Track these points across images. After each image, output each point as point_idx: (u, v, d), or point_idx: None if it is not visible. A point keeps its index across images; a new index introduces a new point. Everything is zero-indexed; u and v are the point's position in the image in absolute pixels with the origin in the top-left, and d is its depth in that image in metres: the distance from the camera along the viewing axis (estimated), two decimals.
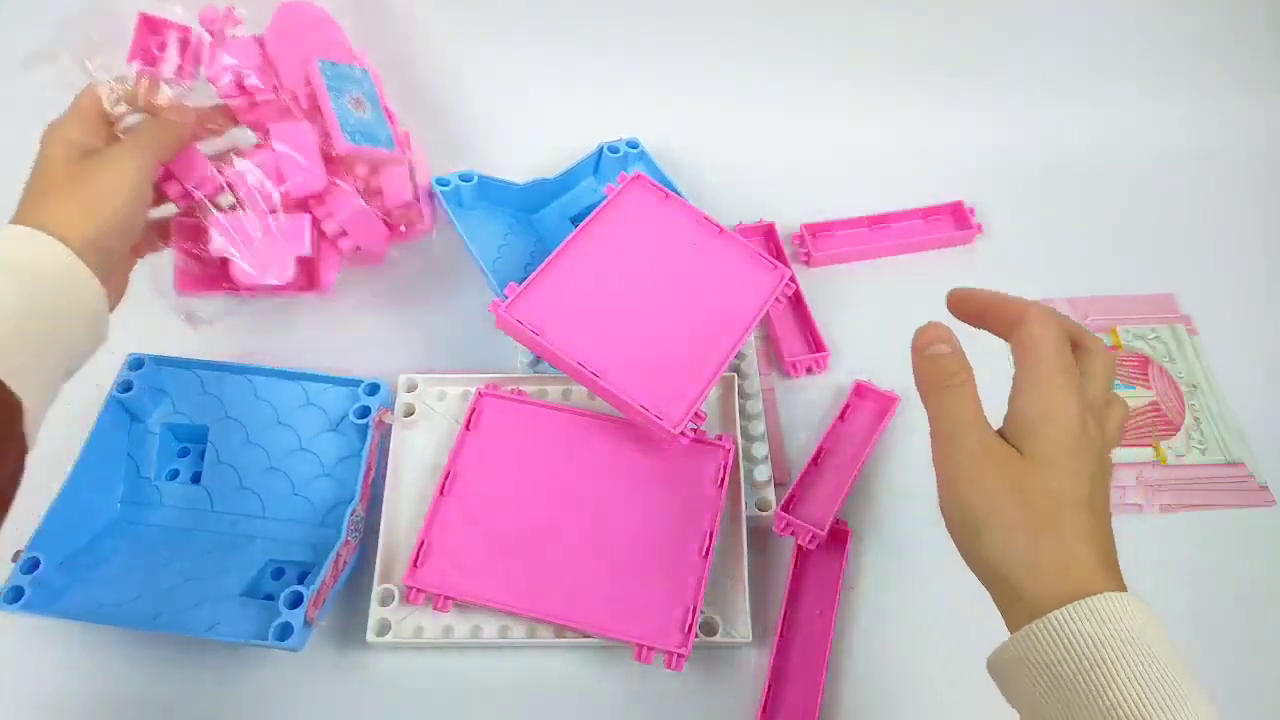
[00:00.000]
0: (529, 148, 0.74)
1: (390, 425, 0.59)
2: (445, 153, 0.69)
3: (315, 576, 0.52)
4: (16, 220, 0.45)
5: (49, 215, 0.45)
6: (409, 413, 0.59)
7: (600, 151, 0.71)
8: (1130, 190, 0.78)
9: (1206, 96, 0.81)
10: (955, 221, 0.75)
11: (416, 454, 0.58)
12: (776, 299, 0.61)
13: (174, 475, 0.59)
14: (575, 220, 0.70)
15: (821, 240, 0.74)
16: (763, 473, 0.59)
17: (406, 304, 0.69)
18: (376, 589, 0.54)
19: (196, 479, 0.59)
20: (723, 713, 0.54)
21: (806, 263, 0.72)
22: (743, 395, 0.62)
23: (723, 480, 0.56)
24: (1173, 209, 0.77)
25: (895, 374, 0.55)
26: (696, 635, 0.52)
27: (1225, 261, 0.74)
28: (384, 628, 0.53)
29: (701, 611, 0.52)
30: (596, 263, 0.60)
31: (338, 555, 0.53)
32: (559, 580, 0.52)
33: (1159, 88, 0.80)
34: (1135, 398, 0.66)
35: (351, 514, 0.55)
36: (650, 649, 0.51)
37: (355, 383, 0.59)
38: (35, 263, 0.44)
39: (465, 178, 0.67)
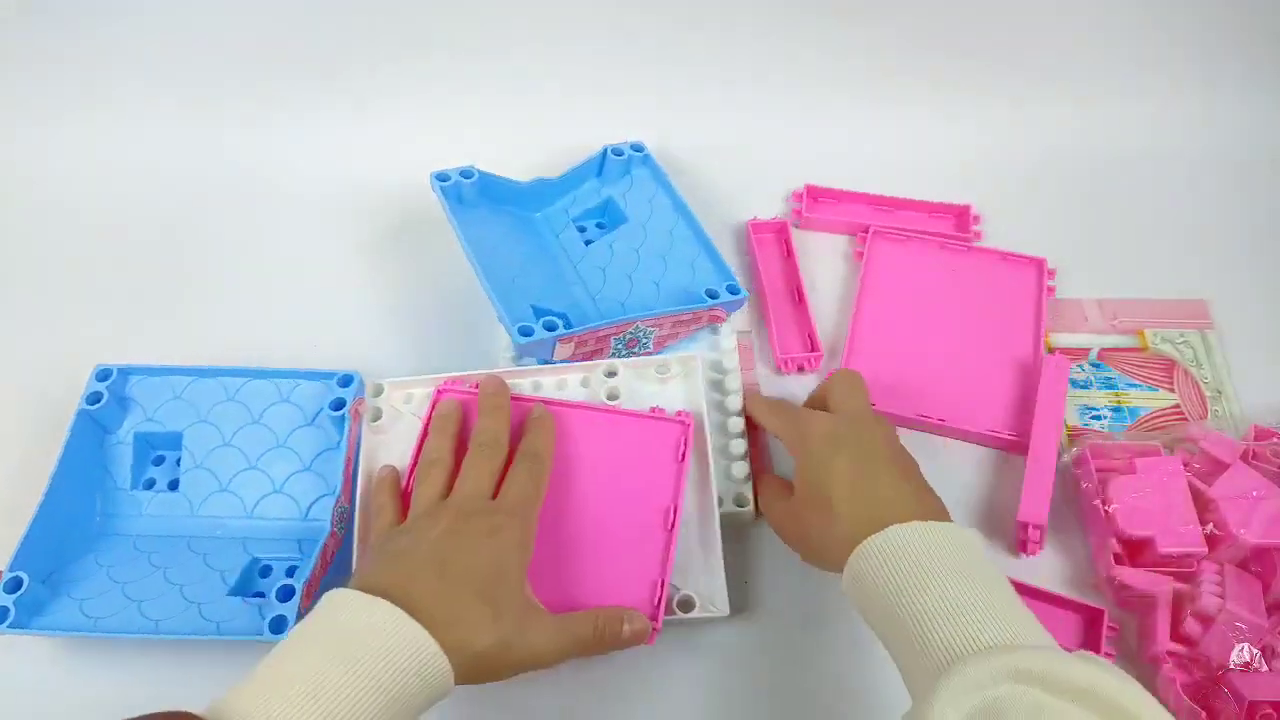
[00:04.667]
0: (529, 146, 0.74)
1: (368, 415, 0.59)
2: (445, 147, 0.69)
3: (304, 569, 0.52)
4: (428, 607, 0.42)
5: (463, 634, 0.42)
6: (376, 417, 0.58)
7: (604, 153, 0.71)
8: (1143, 191, 0.77)
9: (1236, 96, 0.80)
10: (957, 224, 0.74)
11: (386, 457, 0.58)
12: (1046, 289, 0.68)
13: (151, 484, 0.59)
14: (578, 222, 0.70)
15: (823, 203, 0.75)
16: (740, 469, 0.58)
17: (392, 299, 0.69)
18: None
19: (174, 486, 0.58)
20: (706, 687, 0.54)
21: (798, 225, 0.74)
22: (722, 391, 0.62)
23: (683, 455, 0.55)
24: (1199, 212, 0.76)
25: None
26: (673, 612, 0.52)
27: (1257, 269, 0.72)
28: None
29: (672, 585, 0.53)
30: (882, 317, 0.67)
31: (325, 547, 0.53)
32: (532, 565, 0.51)
33: (1183, 88, 0.79)
34: (1158, 400, 0.65)
35: (335, 506, 0.55)
36: None
37: (328, 375, 0.59)
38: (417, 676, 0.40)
39: (466, 174, 0.66)
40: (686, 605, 0.53)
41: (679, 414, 0.57)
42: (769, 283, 0.69)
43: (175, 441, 0.59)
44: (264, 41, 0.75)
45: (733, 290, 0.63)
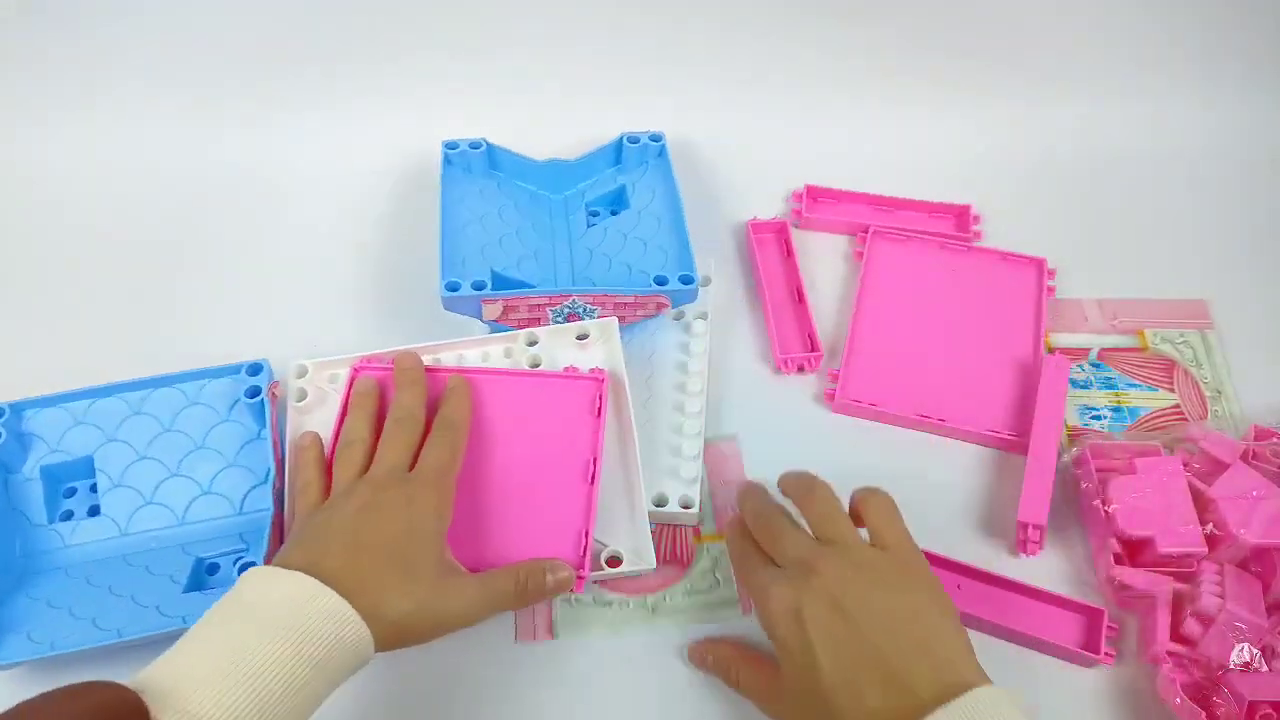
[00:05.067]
0: (529, 144, 0.73)
1: (284, 398, 0.59)
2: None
3: (260, 548, 0.53)
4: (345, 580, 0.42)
5: (379, 603, 0.43)
6: (301, 398, 0.59)
7: (621, 141, 0.71)
8: (1143, 191, 0.77)
9: (1236, 96, 0.80)
10: (957, 224, 0.74)
11: None
12: (1046, 289, 0.68)
13: (69, 516, 0.57)
14: (592, 206, 0.71)
15: (823, 203, 0.75)
16: (690, 470, 0.59)
17: (395, 298, 0.70)
18: None
19: (95, 512, 0.57)
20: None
21: (798, 225, 0.74)
22: (685, 392, 0.62)
23: (599, 410, 0.56)
24: (1199, 212, 0.76)
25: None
26: (601, 568, 0.53)
27: (1257, 269, 0.72)
28: None
29: (600, 542, 0.54)
30: (882, 318, 0.67)
31: (274, 525, 0.54)
32: (456, 530, 0.53)
33: (1183, 88, 0.80)
34: (1158, 400, 0.65)
35: (273, 490, 0.56)
36: None
37: (234, 369, 0.60)
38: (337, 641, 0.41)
39: (474, 145, 0.68)
40: (614, 561, 0.54)
41: (593, 371, 0.58)
42: (769, 283, 0.69)
43: (86, 467, 0.58)
44: (264, 41, 0.75)
45: (685, 280, 0.61)
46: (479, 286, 0.59)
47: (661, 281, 0.61)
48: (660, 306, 0.62)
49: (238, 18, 0.74)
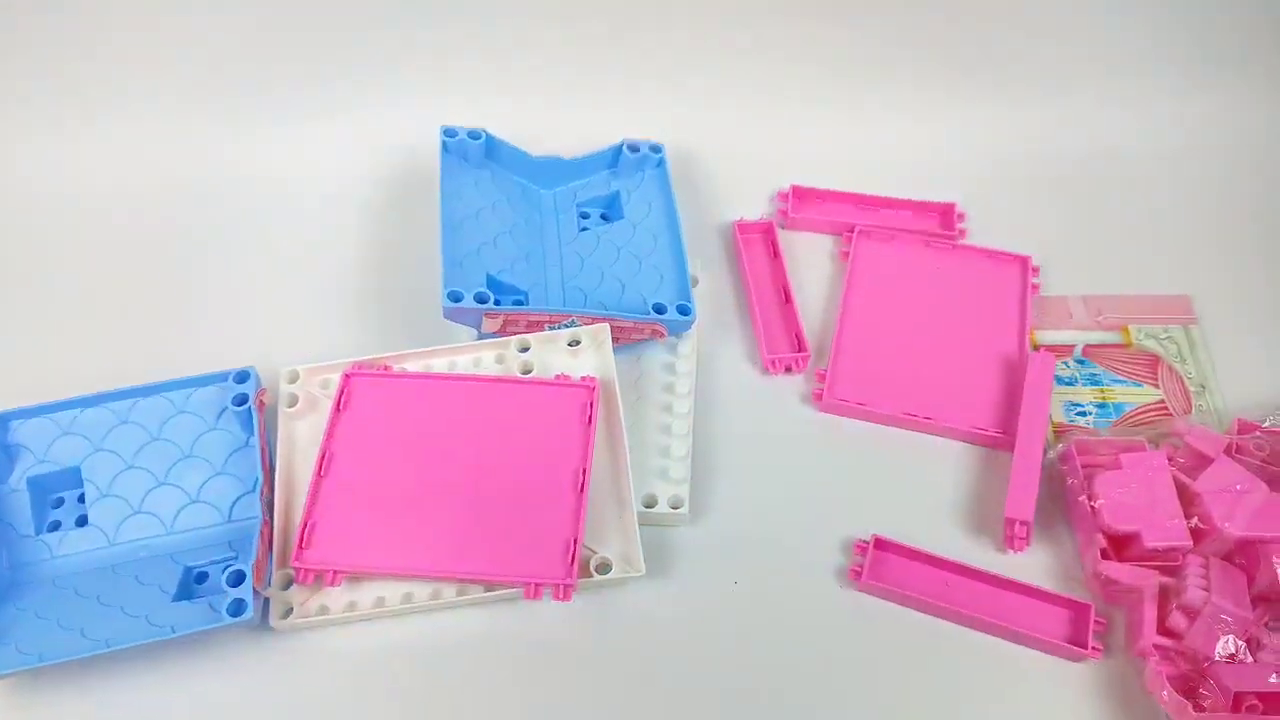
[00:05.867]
0: (521, 143, 0.73)
1: (274, 405, 0.59)
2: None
3: (248, 556, 0.52)
4: None
5: None
6: (292, 403, 0.59)
7: (620, 148, 0.72)
8: (1127, 188, 0.78)
9: (1218, 92, 0.80)
10: (942, 222, 0.74)
11: (305, 441, 0.58)
12: (1030, 286, 0.68)
13: (56, 526, 0.57)
14: (583, 208, 0.71)
15: (809, 203, 0.75)
16: (679, 470, 0.59)
17: (398, 297, 0.69)
18: (276, 574, 0.54)
19: (83, 522, 0.57)
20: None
21: (784, 225, 0.74)
22: (673, 393, 0.63)
23: (590, 418, 0.57)
24: (1182, 208, 0.77)
25: None
26: (592, 575, 0.54)
27: (1240, 264, 0.73)
28: (287, 611, 0.54)
29: (589, 549, 0.54)
30: (868, 316, 0.67)
31: (262, 534, 0.54)
32: (446, 537, 0.53)
33: (1165, 85, 0.80)
34: (1143, 395, 0.66)
35: (261, 497, 0.55)
36: (538, 585, 0.52)
37: (221, 377, 0.60)
38: None
39: (474, 134, 0.68)
40: (603, 568, 0.54)
41: (584, 379, 0.58)
42: (756, 283, 0.69)
43: (74, 477, 0.58)
44: (259, 45, 0.75)
45: (682, 310, 0.62)
46: (481, 299, 0.59)
47: (660, 310, 0.61)
48: (657, 334, 0.62)
49: (235, 20, 0.74)
